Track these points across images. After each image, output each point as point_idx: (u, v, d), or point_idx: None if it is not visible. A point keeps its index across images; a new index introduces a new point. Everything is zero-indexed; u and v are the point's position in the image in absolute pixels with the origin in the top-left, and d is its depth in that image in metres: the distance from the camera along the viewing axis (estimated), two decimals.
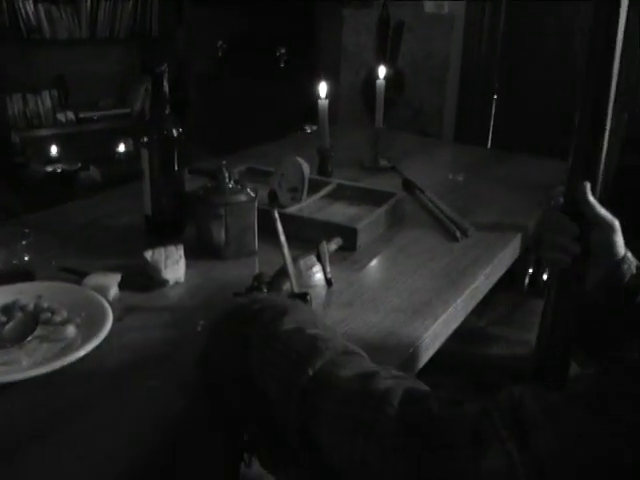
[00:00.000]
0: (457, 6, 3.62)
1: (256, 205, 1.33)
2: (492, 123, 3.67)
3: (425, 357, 1.07)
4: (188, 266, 1.28)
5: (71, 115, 3.92)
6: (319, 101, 1.76)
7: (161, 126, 1.37)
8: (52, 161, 3.80)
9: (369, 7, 3.11)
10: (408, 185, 1.78)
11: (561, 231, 0.95)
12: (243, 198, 1.32)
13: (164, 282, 1.22)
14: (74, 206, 1.73)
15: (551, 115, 3.43)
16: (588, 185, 0.93)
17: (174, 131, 1.38)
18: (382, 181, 1.87)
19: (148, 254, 1.26)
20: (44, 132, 3.85)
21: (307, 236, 1.40)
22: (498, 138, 3.67)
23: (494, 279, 1.40)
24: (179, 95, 4.17)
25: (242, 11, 3.76)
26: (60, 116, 3.89)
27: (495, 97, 3.63)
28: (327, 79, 2.83)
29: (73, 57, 3.91)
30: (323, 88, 1.75)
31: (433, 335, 1.08)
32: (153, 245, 1.28)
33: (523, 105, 3.57)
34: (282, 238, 1.07)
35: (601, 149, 0.93)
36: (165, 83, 1.36)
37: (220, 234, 1.31)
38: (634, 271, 0.98)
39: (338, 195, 1.65)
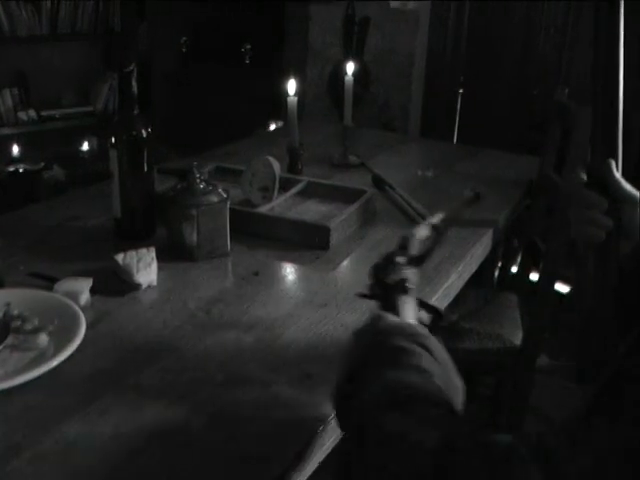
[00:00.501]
0: (422, 3, 3.64)
1: (228, 205, 1.32)
2: (458, 118, 3.69)
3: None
4: (160, 269, 1.26)
5: (33, 114, 3.84)
6: (288, 99, 1.75)
7: (130, 126, 1.36)
8: (14, 161, 3.72)
9: (335, 4, 3.10)
10: (378, 181, 1.78)
11: (591, 206, 0.94)
12: (215, 199, 1.31)
13: (137, 286, 1.20)
14: (38, 208, 1.70)
15: (517, 110, 3.46)
16: (612, 162, 0.92)
17: (143, 132, 1.36)
18: (352, 178, 1.87)
19: (119, 257, 1.24)
20: (5, 131, 3.77)
21: (279, 235, 1.40)
22: (464, 134, 3.69)
23: (467, 276, 1.41)
24: (143, 92, 4.13)
25: (207, 5, 3.73)
26: (21, 114, 3.81)
27: (461, 92, 3.65)
28: (293, 76, 2.82)
29: (34, 54, 3.83)
30: (292, 85, 1.74)
31: None
32: (124, 248, 1.27)
33: (489, 100, 3.59)
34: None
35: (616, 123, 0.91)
36: (133, 82, 1.34)
37: (192, 235, 1.30)
38: None
39: (309, 193, 1.64)
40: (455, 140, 3.72)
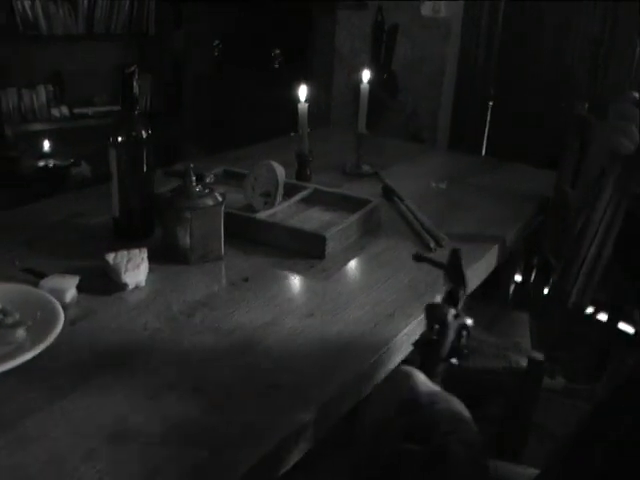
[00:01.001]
0: (454, 10, 3.60)
1: (222, 209, 1.31)
2: (487, 130, 3.64)
3: (382, 373, 1.04)
4: (152, 270, 1.26)
5: (65, 110, 3.90)
6: (299, 105, 1.74)
7: (130, 127, 1.36)
8: (44, 156, 3.78)
9: (364, 10, 3.08)
10: (387, 192, 1.76)
11: (627, 118, 0.94)
12: (210, 202, 1.30)
13: (124, 286, 1.20)
14: (50, 203, 1.71)
15: (547, 124, 3.40)
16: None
17: (143, 132, 1.36)
18: (363, 187, 1.85)
19: (110, 257, 1.24)
20: (38, 126, 3.84)
21: (275, 242, 1.38)
22: (493, 146, 3.63)
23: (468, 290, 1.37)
24: (176, 94, 4.16)
25: (239, 10, 3.74)
26: (54, 111, 3.87)
27: (491, 103, 3.60)
28: (320, 82, 2.82)
29: (70, 53, 3.89)
30: (303, 91, 1.73)
31: (392, 350, 1.06)
32: (118, 247, 1.27)
33: (520, 112, 3.54)
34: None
35: None
36: (135, 84, 1.34)
37: (185, 238, 1.29)
38: None
39: (314, 200, 1.63)
40: (484, 152, 3.67)
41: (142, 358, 0.99)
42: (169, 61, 4.14)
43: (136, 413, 0.86)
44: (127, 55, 4.16)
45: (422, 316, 1.14)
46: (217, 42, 3.87)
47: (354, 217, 1.44)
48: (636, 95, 0.93)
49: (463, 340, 0.86)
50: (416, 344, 0.87)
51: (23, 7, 3.66)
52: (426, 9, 3.51)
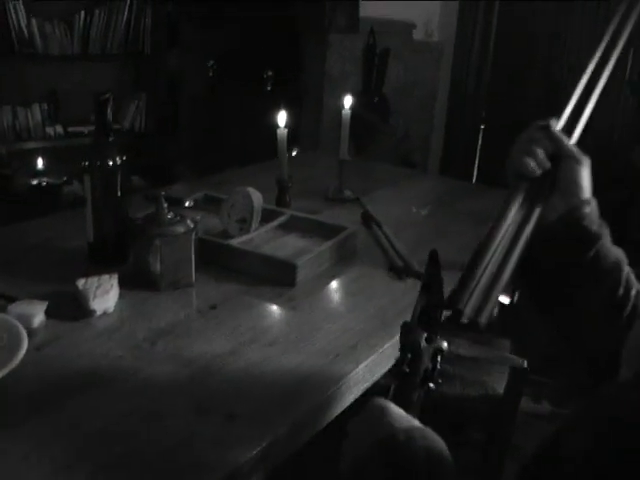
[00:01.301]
0: (447, 35, 3.63)
1: (194, 236, 1.31)
2: (478, 153, 3.65)
3: (340, 406, 1.04)
4: (122, 296, 1.26)
5: (60, 129, 3.92)
6: (278, 131, 1.75)
7: (104, 153, 1.37)
8: (38, 174, 3.80)
9: (355, 33, 3.11)
10: (366, 218, 1.76)
11: (535, 140, 0.93)
12: (181, 229, 1.31)
13: (91, 312, 1.20)
14: (31, 225, 1.72)
15: None
16: (553, 120, 0.94)
17: (117, 159, 1.37)
18: (343, 213, 1.85)
19: (80, 282, 1.24)
20: (32, 145, 3.86)
21: (247, 269, 1.39)
22: (485, 170, 3.65)
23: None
24: (173, 115, 4.19)
25: (233, 31, 3.78)
26: (49, 130, 3.90)
27: (482, 127, 3.62)
28: (310, 105, 2.84)
29: (65, 72, 3.92)
30: (282, 118, 1.74)
31: (352, 382, 1.06)
32: (92, 273, 1.27)
33: (510, 137, 3.55)
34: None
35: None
36: (109, 111, 1.35)
37: (156, 265, 1.30)
38: (593, 219, 0.93)
39: (291, 227, 1.63)
40: (475, 175, 3.68)
41: (100, 387, 0.99)
42: (164, 81, 4.17)
43: (89, 442, 0.87)
44: (122, 75, 4.19)
45: (386, 346, 1.16)
46: (212, 62, 3.90)
47: (326, 245, 1.45)
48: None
49: (438, 365, 0.83)
50: (391, 372, 0.86)
51: (19, 25, 3.70)
52: (418, 34, 3.55)
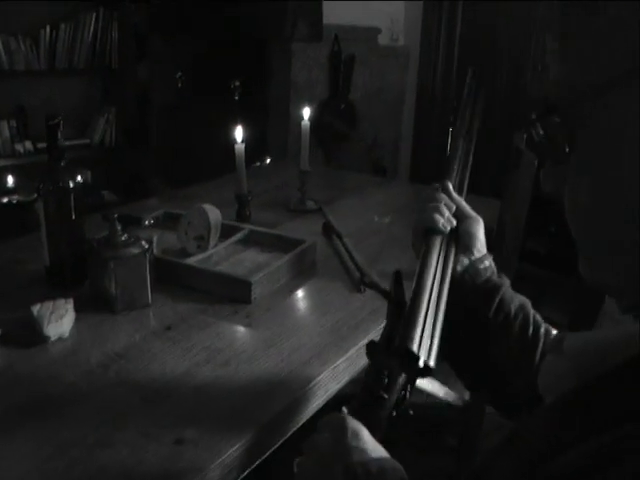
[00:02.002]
0: (412, 39, 3.65)
1: (148, 258, 1.32)
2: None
3: (293, 424, 1.05)
4: (78, 319, 1.27)
5: (29, 146, 3.90)
6: (235, 146, 1.75)
7: (56, 177, 1.37)
8: (9, 192, 3.78)
9: (318, 41, 3.12)
10: (327, 229, 1.78)
11: (440, 202, 1.00)
12: (135, 251, 1.31)
13: (45, 338, 1.20)
14: None
15: (507, 151, 3.44)
16: (447, 182, 1.04)
17: (70, 182, 1.38)
18: (305, 224, 1.86)
19: (35, 308, 1.24)
20: (1, 162, 3.83)
21: (203, 287, 1.39)
22: None
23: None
24: (142, 126, 4.18)
25: (200, 42, 3.78)
26: (18, 146, 3.87)
27: (451, 130, 3.64)
28: (277, 113, 2.85)
29: (32, 88, 3.90)
30: (239, 133, 1.75)
31: (304, 399, 1.07)
32: (50, 296, 1.28)
33: (479, 139, 3.58)
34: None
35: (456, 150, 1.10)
36: (59, 135, 1.36)
37: (110, 287, 1.30)
38: (494, 269, 1.02)
39: (251, 241, 1.64)
40: None
41: (51, 415, 0.99)
42: (133, 94, 4.16)
43: (36, 471, 0.87)
44: (91, 88, 4.18)
45: (339, 361, 1.17)
46: (179, 74, 3.89)
47: (282, 260, 1.45)
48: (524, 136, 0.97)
49: (408, 394, 0.84)
50: (363, 390, 0.84)
51: None
52: (384, 38, 3.56)
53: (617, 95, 0.51)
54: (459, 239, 1.01)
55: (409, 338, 0.77)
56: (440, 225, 0.98)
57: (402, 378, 0.82)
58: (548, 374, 0.61)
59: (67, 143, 3.82)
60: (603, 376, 0.51)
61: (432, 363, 0.78)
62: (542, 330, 0.96)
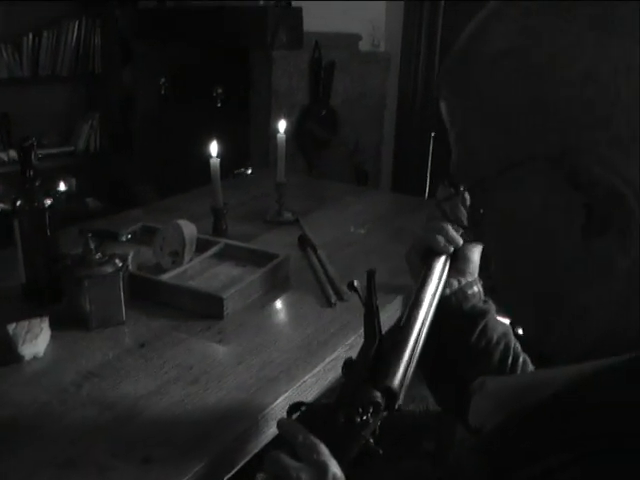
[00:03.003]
0: (394, 45, 3.69)
1: (121, 276, 1.34)
2: (430, 161, 3.71)
3: (259, 441, 1.08)
4: (54, 337, 1.29)
5: (13, 154, 3.90)
6: (211, 160, 1.78)
7: (31, 197, 1.39)
8: None
9: (298, 48, 3.15)
10: (302, 242, 1.80)
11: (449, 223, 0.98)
12: (108, 269, 1.34)
13: (20, 357, 1.23)
14: None
15: None
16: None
17: (45, 201, 1.40)
18: (281, 236, 1.89)
19: (11, 327, 1.27)
20: None
21: (177, 303, 1.42)
22: (438, 176, 3.71)
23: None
24: (126, 133, 4.20)
25: (183, 48, 3.80)
26: (2, 155, 3.88)
27: (433, 135, 3.68)
28: (258, 121, 2.87)
29: (16, 95, 3.90)
30: (214, 147, 1.78)
31: (270, 416, 1.09)
32: (26, 313, 1.31)
33: None
34: None
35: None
36: (33, 157, 1.38)
37: (85, 305, 1.33)
38: (476, 301, 1.01)
39: (226, 255, 1.67)
40: (428, 182, 3.74)
41: (23, 436, 1.02)
42: (117, 100, 4.17)
43: None
44: (75, 95, 4.19)
45: (307, 377, 1.20)
46: (163, 80, 3.91)
47: (255, 276, 1.48)
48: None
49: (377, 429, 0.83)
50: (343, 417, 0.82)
51: None
52: (365, 44, 3.60)
53: (507, 180, 0.55)
54: (455, 261, 0.99)
55: (394, 376, 0.77)
56: (441, 246, 0.96)
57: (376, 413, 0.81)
58: (475, 413, 0.64)
59: (51, 151, 3.83)
60: (525, 411, 0.54)
61: (400, 401, 0.79)
62: (521, 360, 0.98)
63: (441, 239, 0.96)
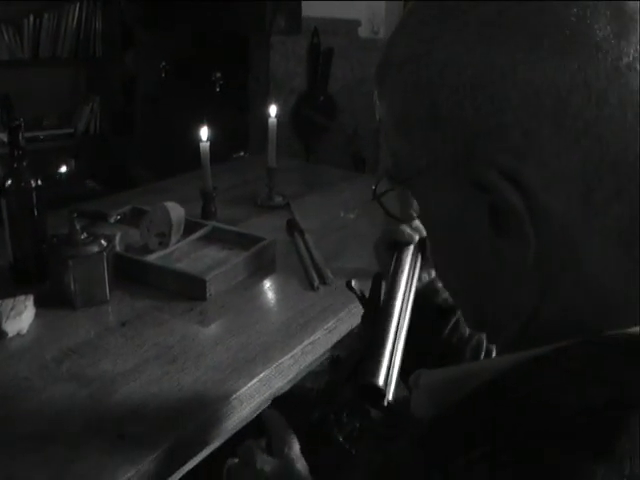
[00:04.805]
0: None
1: (106, 256, 1.36)
2: None
3: (232, 421, 1.10)
4: (38, 315, 1.32)
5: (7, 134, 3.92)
6: (201, 144, 1.79)
7: (19, 177, 1.41)
8: None
9: (297, 34, 3.16)
10: (291, 226, 1.82)
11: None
12: (93, 249, 1.36)
13: (4, 334, 1.25)
14: None
15: None
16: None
17: (32, 182, 1.42)
18: (270, 220, 1.91)
19: None
20: None
21: (161, 284, 1.44)
22: None
23: (344, 330, 1.42)
24: (127, 115, 4.22)
25: (184, 33, 3.81)
26: (2, 135, 3.89)
27: None
28: (256, 105, 2.88)
29: (17, 77, 3.92)
30: (204, 132, 1.79)
31: (244, 396, 1.11)
32: (11, 293, 1.33)
33: None
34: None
35: None
36: (21, 137, 1.40)
37: (70, 284, 1.35)
38: (447, 295, 0.98)
39: (214, 238, 1.69)
40: None
41: (3, 409, 1.05)
42: (118, 83, 4.19)
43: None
44: (75, 77, 4.21)
45: (284, 359, 1.22)
46: (164, 64, 3.92)
47: (239, 258, 1.50)
48: None
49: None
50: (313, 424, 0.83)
51: None
52: (364, 31, 3.59)
53: (426, 180, 0.56)
54: (425, 251, 0.96)
55: (376, 374, 0.72)
56: (405, 236, 0.94)
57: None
58: (415, 406, 0.66)
59: (52, 132, 3.85)
60: (454, 406, 0.55)
61: (390, 397, 0.73)
62: (493, 356, 0.96)
63: (405, 228, 0.95)
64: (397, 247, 0.95)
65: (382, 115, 0.60)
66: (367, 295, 0.88)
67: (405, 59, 0.54)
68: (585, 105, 0.47)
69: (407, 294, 0.88)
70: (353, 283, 0.90)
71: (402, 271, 0.91)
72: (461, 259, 0.58)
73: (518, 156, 0.49)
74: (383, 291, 0.86)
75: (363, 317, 0.89)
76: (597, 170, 0.48)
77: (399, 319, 0.83)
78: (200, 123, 1.84)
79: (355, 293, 0.89)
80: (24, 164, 1.42)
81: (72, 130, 4.15)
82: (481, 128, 0.50)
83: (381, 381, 0.73)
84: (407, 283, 0.89)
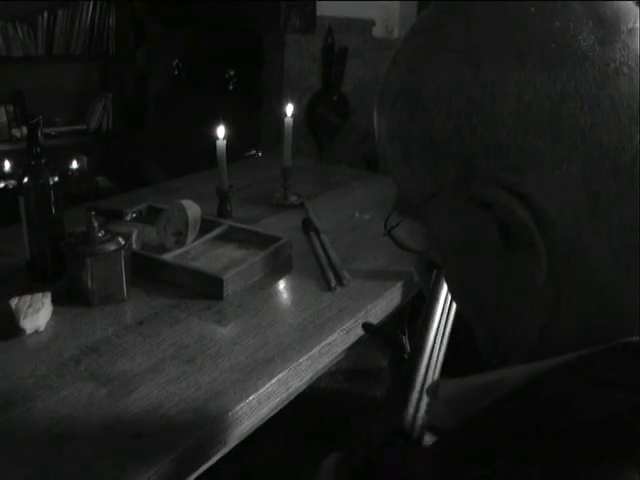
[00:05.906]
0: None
1: (123, 254, 1.36)
2: None
3: (251, 421, 1.09)
4: (55, 313, 1.32)
5: (26, 131, 3.93)
6: (217, 142, 1.79)
7: (37, 174, 1.41)
8: (5, 177, 3.83)
9: (311, 33, 3.15)
10: (306, 225, 1.81)
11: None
12: (111, 247, 1.36)
13: (22, 331, 1.25)
14: None
15: None
16: None
17: (50, 179, 1.42)
18: (286, 220, 1.90)
19: (13, 302, 1.29)
20: None
21: (178, 282, 1.44)
22: None
23: (361, 331, 1.41)
24: (138, 113, 4.23)
25: (198, 30, 3.81)
26: (15, 131, 3.91)
27: None
28: (270, 104, 2.88)
29: (30, 73, 3.93)
30: (221, 131, 1.79)
31: (263, 397, 1.11)
32: (30, 289, 1.33)
33: None
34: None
35: None
36: (40, 134, 1.40)
37: (87, 282, 1.35)
38: None
39: (230, 237, 1.68)
40: None
41: (20, 406, 1.04)
42: (130, 80, 4.19)
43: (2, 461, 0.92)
44: (88, 74, 4.22)
45: (302, 360, 1.21)
46: (176, 61, 3.92)
47: (256, 258, 1.50)
48: None
49: None
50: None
51: None
52: (379, 31, 3.58)
53: (434, 206, 0.57)
54: None
55: (400, 414, 0.71)
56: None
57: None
58: (432, 417, 0.65)
59: (64, 129, 3.86)
60: (474, 416, 0.55)
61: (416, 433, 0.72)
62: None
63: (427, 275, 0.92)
64: (436, 266, 0.94)
65: (384, 149, 0.61)
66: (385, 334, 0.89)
67: (398, 93, 0.56)
68: (579, 113, 0.48)
69: (443, 320, 0.87)
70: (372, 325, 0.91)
71: (440, 295, 0.89)
72: (474, 281, 0.59)
73: (519, 171, 0.50)
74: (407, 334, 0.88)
75: (390, 363, 0.89)
76: (599, 175, 0.49)
77: (432, 349, 0.82)
78: (212, 121, 1.84)
79: (374, 335, 0.89)
80: (42, 161, 1.41)
81: (84, 127, 4.16)
82: (479, 149, 0.51)
83: (404, 422, 0.71)
84: (442, 311, 0.88)
